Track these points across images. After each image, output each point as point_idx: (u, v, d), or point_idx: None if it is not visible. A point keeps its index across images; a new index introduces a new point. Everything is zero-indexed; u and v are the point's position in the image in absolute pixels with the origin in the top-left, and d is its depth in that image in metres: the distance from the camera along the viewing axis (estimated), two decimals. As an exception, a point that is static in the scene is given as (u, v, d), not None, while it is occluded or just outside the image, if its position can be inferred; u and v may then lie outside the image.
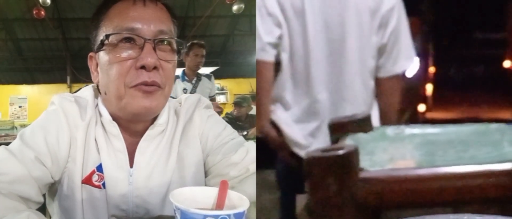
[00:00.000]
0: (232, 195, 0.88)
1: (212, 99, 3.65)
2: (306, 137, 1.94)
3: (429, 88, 7.26)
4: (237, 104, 4.72)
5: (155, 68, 1.05)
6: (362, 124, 1.02)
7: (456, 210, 0.68)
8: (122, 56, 1.06)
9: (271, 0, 1.88)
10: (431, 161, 0.87)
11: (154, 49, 1.06)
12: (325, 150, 0.72)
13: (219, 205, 0.87)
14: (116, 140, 1.13)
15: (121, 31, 1.06)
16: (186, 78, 3.60)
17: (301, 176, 0.74)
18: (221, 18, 7.82)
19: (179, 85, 3.52)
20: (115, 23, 1.07)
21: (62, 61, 8.70)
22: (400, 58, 1.93)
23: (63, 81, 8.46)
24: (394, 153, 0.93)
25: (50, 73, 9.33)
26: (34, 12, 6.53)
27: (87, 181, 1.12)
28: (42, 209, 1.14)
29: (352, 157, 0.72)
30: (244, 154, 1.17)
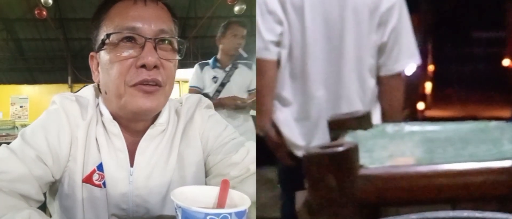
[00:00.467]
0: (233, 194, 0.88)
1: (251, 92, 2.94)
2: (304, 136, 1.93)
3: (428, 86, 7.26)
4: None
5: (156, 67, 1.05)
6: (361, 121, 1.02)
7: (455, 207, 0.68)
8: (123, 55, 1.06)
9: None
10: (430, 158, 0.86)
11: (155, 48, 1.06)
12: (324, 147, 0.72)
13: (220, 204, 0.87)
14: (117, 140, 1.13)
15: (122, 31, 1.06)
16: (218, 64, 2.98)
17: (301, 173, 0.74)
18: (222, 19, 7.83)
19: (208, 73, 2.99)
20: (116, 23, 1.07)
21: (63, 61, 8.72)
22: (401, 57, 1.92)
23: (64, 81, 8.48)
24: (393, 150, 0.93)
25: (51, 73, 9.35)
26: (36, 12, 6.55)
27: (88, 180, 1.12)
28: (43, 208, 1.14)
29: (351, 154, 0.72)
30: (245, 154, 1.17)
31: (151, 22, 1.07)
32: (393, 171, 0.73)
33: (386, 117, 1.94)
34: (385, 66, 1.92)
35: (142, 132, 1.15)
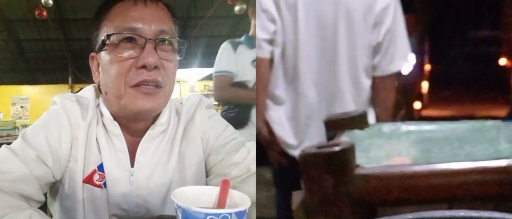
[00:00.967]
0: (234, 194, 0.88)
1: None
2: (296, 135, 1.93)
3: (425, 85, 7.27)
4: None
5: (156, 67, 1.06)
6: (358, 121, 1.02)
7: (452, 207, 0.68)
8: (123, 56, 1.06)
9: None
10: (427, 158, 0.87)
11: (155, 48, 1.06)
12: (321, 147, 0.72)
13: (221, 204, 0.87)
14: (117, 140, 1.13)
15: (122, 31, 1.06)
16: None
17: (297, 173, 0.74)
18: (222, 19, 7.83)
19: (245, 54, 2.42)
20: (116, 23, 1.07)
21: (63, 61, 8.73)
22: (396, 57, 1.92)
23: (64, 81, 8.49)
24: (390, 150, 0.93)
25: (51, 73, 9.36)
26: (36, 13, 6.55)
27: (88, 180, 1.12)
28: (44, 208, 1.14)
29: (348, 153, 0.72)
30: (245, 154, 1.17)
31: (151, 22, 1.07)
32: (390, 171, 0.73)
33: (379, 117, 1.94)
34: (379, 66, 1.92)
35: (142, 133, 1.15)
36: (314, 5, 1.85)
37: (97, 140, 1.13)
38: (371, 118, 1.92)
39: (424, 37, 6.81)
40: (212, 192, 0.89)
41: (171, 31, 1.10)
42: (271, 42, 1.88)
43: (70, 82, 8.39)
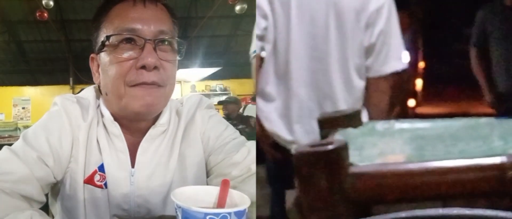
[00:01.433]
0: (234, 194, 0.89)
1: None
2: (288, 130, 1.93)
3: (418, 83, 7.24)
4: (221, 103, 4.76)
5: (155, 68, 1.06)
6: (351, 119, 1.02)
7: (445, 204, 0.68)
8: (122, 57, 1.06)
9: None
10: (420, 155, 0.87)
11: (155, 49, 1.06)
12: (314, 145, 0.72)
13: (221, 204, 0.88)
14: (118, 140, 1.14)
15: (121, 32, 1.07)
16: None
17: (290, 171, 0.74)
18: (223, 19, 7.83)
19: None
20: (116, 24, 1.08)
21: (64, 62, 8.72)
22: (389, 59, 1.90)
23: (66, 82, 8.49)
24: (383, 147, 0.93)
25: (53, 74, 9.35)
26: (37, 14, 6.56)
27: (89, 181, 1.13)
28: (45, 209, 1.14)
29: (341, 152, 0.71)
30: (246, 153, 1.17)
31: (150, 23, 1.07)
32: (383, 169, 0.73)
33: (372, 118, 1.93)
34: (372, 68, 1.91)
35: (143, 133, 1.15)
36: (307, 3, 1.85)
37: (97, 140, 1.14)
38: (364, 117, 1.92)
39: (418, 34, 6.79)
40: (212, 192, 0.90)
41: (171, 32, 1.11)
42: (262, 38, 1.87)
43: (71, 83, 8.39)
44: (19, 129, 7.17)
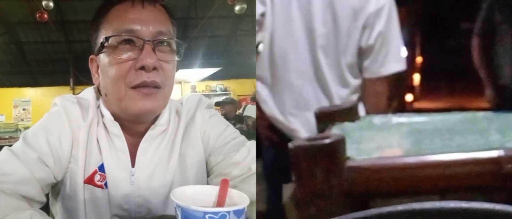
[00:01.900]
0: (233, 193, 0.89)
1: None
2: (284, 115, 1.93)
3: (416, 78, 7.21)
4: (218, 104, 4.76)
5: (154, 68, 1.06)
6: (348, 113, 1.02)
7: (443, 198, 0.69)
8: (122, 58, 1.07)
9: None
10: (418, 149, 0.87)
11: (154, 50, 1.07)
12: (311, 139, 0.72)
13: (220, 203, 0.88)
14: (118, 140, 1.14)
15: (120, 33, 1.07)
16: None
17: (288, 165, 0.74)
18: (223, 19, 7.82)
19: None
20: (115, 26, 1.08)
21: (65, 63, 8.70)
22: (388, 61, 1.90)
23: (66, 83, 8.46)
24: (381, 142, 0.93)
25: (53, 75, 9.33)
26: (37, 15, 6.55)
27: (89, 181, 1.13)
28: (46, 209, 1.15)
29: (338, 146, 0.72)
30: (246, 153, 1.18)
31: (149, 24, 1.08)
32: (381, 163, 0.73)
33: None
34: (369, 69, 1.90)
35: (143, 133, 1.16)
36: None
37: (97, 140, 1.14)
38: (362, 111, 1.92)
39: (416, 29, 6.77)
40: (211, 191, 0.90)
41: (169, 32, 1.11)
42: (259, 23, 1.87)
43: (71, 84, 8.37)
44: (20, 130, 7.14)
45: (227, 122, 1.28)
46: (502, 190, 0.70)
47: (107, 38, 1.08)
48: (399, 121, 1.03)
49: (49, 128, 1.13)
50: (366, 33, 1.86)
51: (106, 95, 1.12)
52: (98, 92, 1.18)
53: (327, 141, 0.71)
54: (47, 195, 1.13)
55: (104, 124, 1.15)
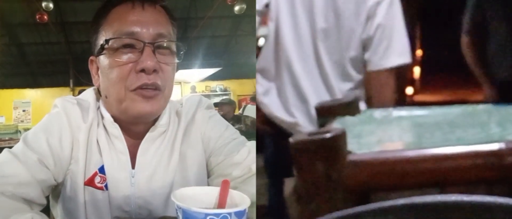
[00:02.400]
0: (234, 194, 0.89)
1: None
2: (286, 112, 1.93)
3: (416, 71, 7.20)
4: (216, 105, 4.79)
5: (155, 71, 1.06)
6: (349, 107, 1.02)
7: (443, 191, 0.69)
8: (122, 60, 1.07)
9: None
10: (418, 143, 0.87)
11: (154, 52, 1.07)
12: (312, 134, 0.72)
13: (221, 204, 0.88)
14: (118, 142, 1.14)
15: (120, 36, 1.07)
16: None
17: (289, 160, 0.74)
18: (223, 19, 7.82)
19: None
20: (115, 28, 1.08)
21: (65, 64, 8.72)
22: (390, 53, 1.89)
23: (66, 84, 8.48)
24: (381, 135, 0.93)
25: (53, 76, 9.35)
26: (37, 16, 6.56)
27: (90, 182, 1.13)
28: (46, 211, 1.15)
29: (339, 140, 0.72)
30: (246, 154, 1.17)
31: (149, 26, 1.08)
32: (382, 156, 0.73)
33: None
34: (371, 61, 1.89)
35: (143, 134, 1.16)
36: None
37: (98, 142, 1.14)
38: (362, 106, 1.92)
39: (416, 22, 6.75)
40: (212, 192, 0.90)
41: (169, 34, 1.11)
42: (261, 13, 1.86)
43: (71, 85, 8.39)
44: (20, 131, 7.16)
45: (227, 122, 1.28)
46: (503, 183, 0.70)
47: (107, 40, 1.08)
48: (400, 115, 1.03)
49: (50, 129, 1.12)
50: (368, 25, 1.86)
51: (106, 97, 1.12)
52: (98, 93, 1.17)
53: (328, 135, 0.71)
54: (47, 198, 1.13)
55: (104, 126, 1.15)
